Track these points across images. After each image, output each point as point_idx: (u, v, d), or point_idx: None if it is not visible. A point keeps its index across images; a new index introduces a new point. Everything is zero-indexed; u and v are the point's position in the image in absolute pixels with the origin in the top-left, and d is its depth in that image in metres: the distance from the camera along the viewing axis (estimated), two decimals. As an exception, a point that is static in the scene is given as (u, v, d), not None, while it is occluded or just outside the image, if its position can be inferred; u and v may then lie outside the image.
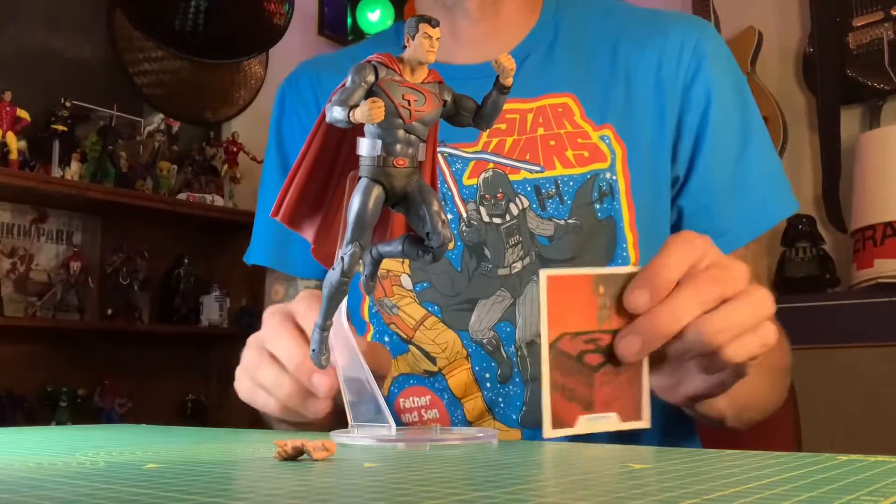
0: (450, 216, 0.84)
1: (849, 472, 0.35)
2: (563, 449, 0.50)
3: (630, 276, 0.53)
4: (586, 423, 0.52)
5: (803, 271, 2.68)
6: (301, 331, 0.63)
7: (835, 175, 2.82)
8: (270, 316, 0.65)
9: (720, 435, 0.87)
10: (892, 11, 2.74)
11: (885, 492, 0.30)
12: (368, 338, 0.87)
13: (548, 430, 0.51)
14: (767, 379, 0.75)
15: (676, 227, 0.85)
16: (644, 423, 0.54)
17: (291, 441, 0.41)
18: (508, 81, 0.48)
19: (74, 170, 2.53)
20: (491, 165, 0.84)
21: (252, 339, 0.67)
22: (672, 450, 0.45)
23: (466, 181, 0.84)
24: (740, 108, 0.86)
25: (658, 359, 0.56)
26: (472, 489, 0.31)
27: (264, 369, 0.64)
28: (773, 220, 0.86)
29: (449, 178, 0.85)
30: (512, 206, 0.83)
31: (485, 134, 0.84)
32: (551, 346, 0.51)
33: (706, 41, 0.86)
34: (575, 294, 0.52)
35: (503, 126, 0.85)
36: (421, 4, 0.93)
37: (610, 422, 0.53)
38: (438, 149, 0.84)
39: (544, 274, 0.51)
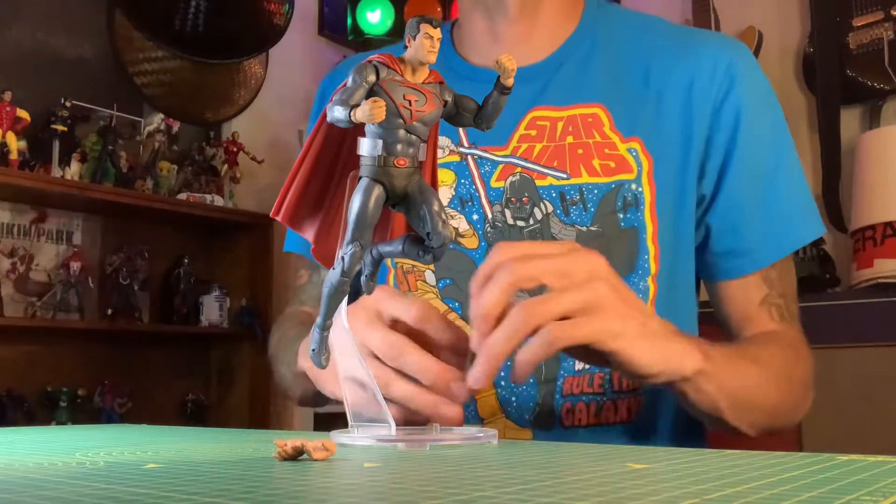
0: (476, 216, 0.86)
1: (849, 472, 0.35)
2: (562, 449, 0.50)
3: None
4: None
5: (803, 271, 2.68)
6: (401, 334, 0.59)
7: (835, 175, 2.82)
8: (355, 314, 0.59)
9: (728, 440, 0.86)
10: (892, 11, 2.75)
11: (885, 492, 0.30)
12: None
13: None
14: (769, 380, 0.75)
15: (703, 246, 0.86)
16: None
17: (291, 441, 0.41)
18: (509, 82, 0.49)
19: (74, 170, 2.53)
20: (518, 170, 0.85)
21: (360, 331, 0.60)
22: (672, 450, 0.45)
23: (494, 183, 0.86)
24: (771, 129, 0.87)
25: None
26: (472, 489, 0.31)
27: (396, 385, 0.59)
28: (797, 243, 0.86)
29: (477, 180, 0.86)
30: (536, 210, 0.84)
31: (515, 138, 0.86)
32: None
33: (739, 61, 0.87)
34: None
35: (533, 132, 0.86)
36: (463, 5, 0.94)
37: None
38: (470, 150, 0.88)
39: None
